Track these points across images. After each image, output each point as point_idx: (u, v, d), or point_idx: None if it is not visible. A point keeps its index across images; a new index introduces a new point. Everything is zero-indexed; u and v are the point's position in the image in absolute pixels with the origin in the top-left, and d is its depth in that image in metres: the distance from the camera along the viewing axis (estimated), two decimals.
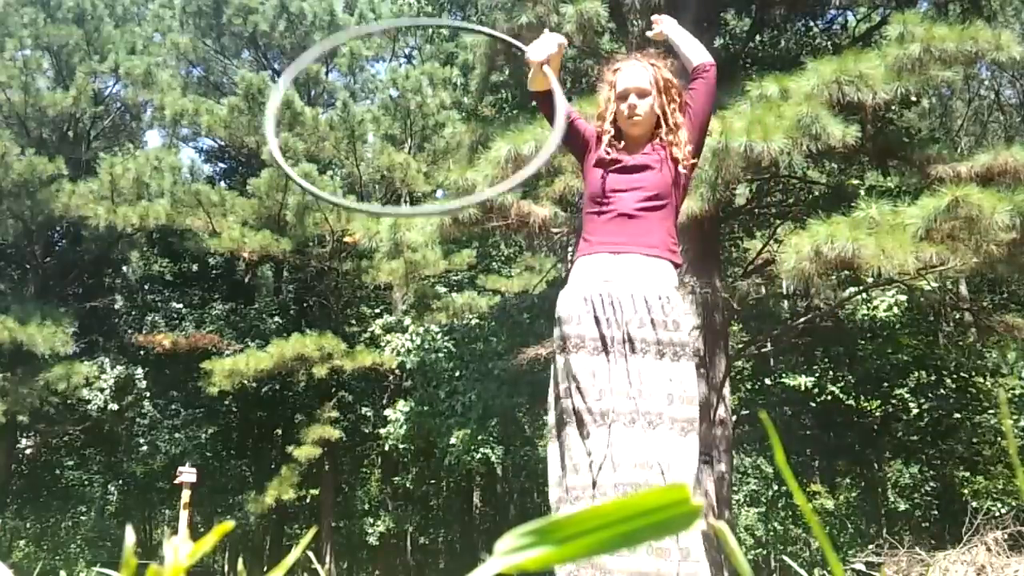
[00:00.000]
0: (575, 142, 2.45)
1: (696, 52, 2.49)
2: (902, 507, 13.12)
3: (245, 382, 13.63)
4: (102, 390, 14.94)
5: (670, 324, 2.20)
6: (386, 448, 13.99)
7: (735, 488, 12.86)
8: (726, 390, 7.84)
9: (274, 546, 17.47)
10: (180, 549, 0.43)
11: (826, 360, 12.79)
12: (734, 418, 9.19)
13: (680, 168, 2.36)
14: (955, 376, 11.99)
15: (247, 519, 14.49)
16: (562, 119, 2.07)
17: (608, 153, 2.37)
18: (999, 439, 11.41)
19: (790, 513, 12.71)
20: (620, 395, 2.12)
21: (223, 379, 12.93)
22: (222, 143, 17.42)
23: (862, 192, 7.99)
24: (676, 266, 2.32)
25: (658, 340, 2.17)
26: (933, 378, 12.04)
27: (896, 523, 12.84)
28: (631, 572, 1.97)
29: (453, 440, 11.70)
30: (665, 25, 2.58)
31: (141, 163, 14.16)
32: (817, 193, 9.24)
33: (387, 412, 13.76)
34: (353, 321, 16.60)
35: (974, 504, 10.21)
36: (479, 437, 12.00)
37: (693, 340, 2.35)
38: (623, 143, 2.42)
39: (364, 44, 16.85)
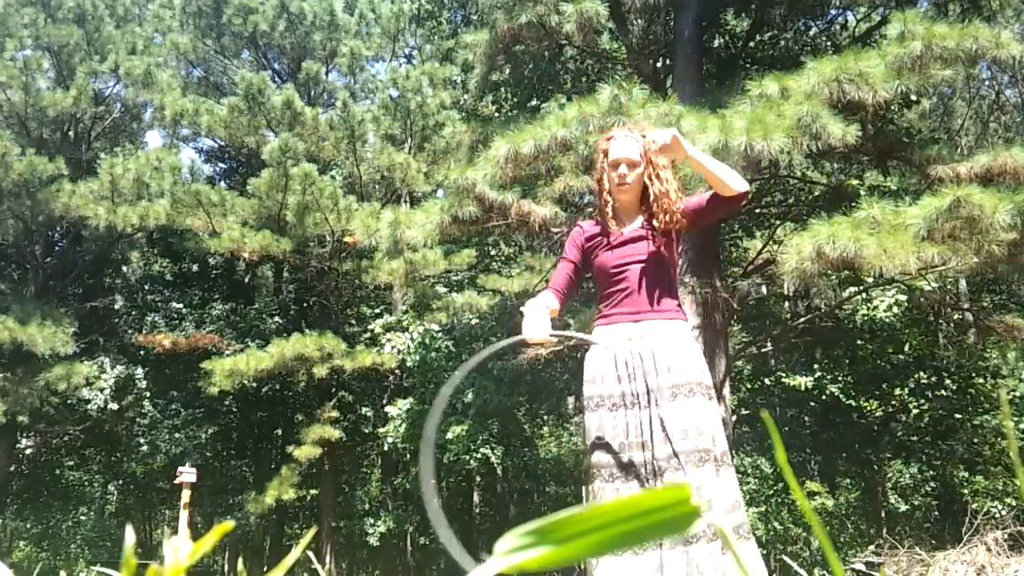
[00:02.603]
0: (582, 276, 2.64)
1: (723, 183, 2.41)
2: (902, 507, 13.11)
3: (245, 382, 13.63)
4: (102, 390, 14.94)
5: (686, 367, 2.36)
6: (385, 447, 13.98)
7: None
8: (726, 390, 7.84)
9: (274, 546, 17.47)
10: (180, 549, 0.43)
11: (826, 360, 12.78)
12: (734, 418, 9.18)
13: (669, 227, 2.49)
14: (955, 376, 11.98)
15: (247, 519, 14.48)
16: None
17: (605, 233, 2.55)
18: (999, 439, 11.41)
19: (790, 513, 12.70)
20: (638, 447, 2.28)
21: (223, 379, 12.92)
22: (222, 143, 17.41)
23: (863, 192, 7.98)
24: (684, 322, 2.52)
25: (673, 384, 2.33)
26: (933, 378, 12.03)
27: (896, 523, 12.84)
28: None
29: (449, 435, 11.69)
30: (677, 149, 2.45)
31: (141, 163, 14.16)
32: (817, 193, 9.24)
33: (388, 409, 13.77)
34: (353, 321, 16.60)
35: (974, 506, 10.21)
36: (479, 439, 11.99)
37: (707, 379, 2.45)
38: (616, 213, 2.57)
39: (364, 44, 16.86)
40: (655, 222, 2.50)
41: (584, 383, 2.45)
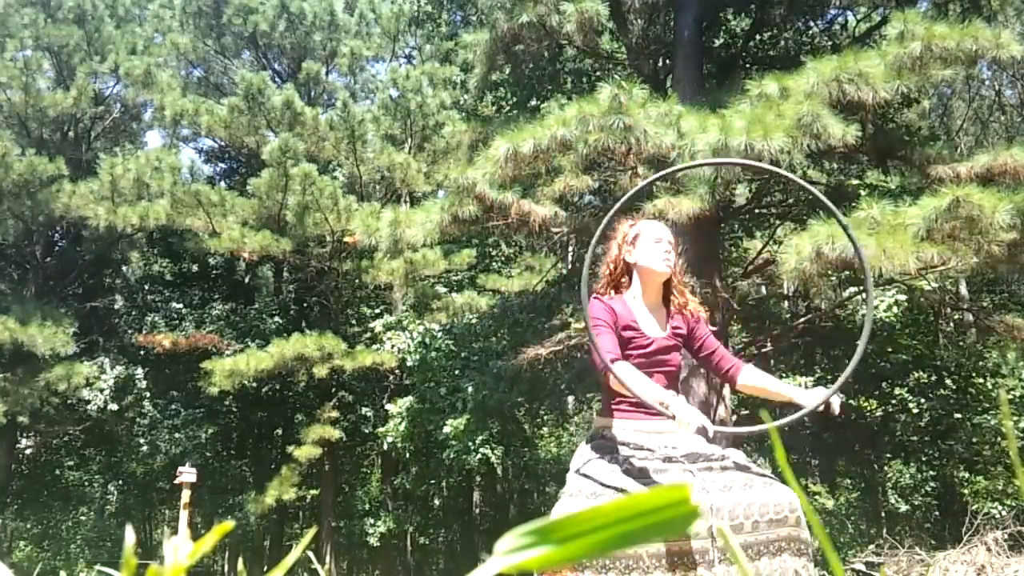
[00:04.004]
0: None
1: (749, 391, 2.60)
2: (902, 507, 13.11)
3: (245, 382, 13.63)
4: (102, 390, 14.94)
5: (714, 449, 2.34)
6: (385, 447, 13.99)
7: None
8: (726, 390, 7.84)
9: (274, 546, 17.47)
10: (180, 549, 0.43)
11: (826, 360, 12.78)
12: (734, 418, 9.18)
13: (689, 323, 2.52)
14: (955, 376, 11.98)
15: (247, 519, 14.49)
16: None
17: (636, 327, 2.41)
18: (999, 439, 11.40)
19: None
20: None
21: (223, 379, 12.92)
22: (222, 143, 17.42)
23: (863, 192, 7.98)
24: None
25: (709, 454, 2.31)
26: (933, 378, 12.03)
27: (896, 523, 12.84)
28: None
29: (447, 429, 11.68)
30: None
31: (141, 163, 14.16)
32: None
33: (388, 407, 13.78)
34: (353, 321, 16.60)
35: (974, 506, 10.21)
36: (479, 439, 11.99)
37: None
38: (643, 294, 2.48)
39: (364, 44, 16.86)
40: (678, 325, 2.48)
41: (593, 467, 2.30)
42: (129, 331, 17.06)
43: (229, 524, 0.46)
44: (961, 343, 12.93)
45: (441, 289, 14.87)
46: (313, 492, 16.12)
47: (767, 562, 2.16)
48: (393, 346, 13.63)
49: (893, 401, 12.34)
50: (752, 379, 2.54)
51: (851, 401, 12.28)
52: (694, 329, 2.53)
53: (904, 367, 12.10)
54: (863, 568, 7.09)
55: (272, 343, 13.44)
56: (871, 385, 12.32)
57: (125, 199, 14.14)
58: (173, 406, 16.45)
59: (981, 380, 11.81)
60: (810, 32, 10.41)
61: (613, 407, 2.41)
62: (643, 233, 2.49)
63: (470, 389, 11.65)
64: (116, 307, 18.02)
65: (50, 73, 15.83)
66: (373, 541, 15.12)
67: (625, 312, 2.41)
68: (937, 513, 13.02)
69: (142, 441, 16.46)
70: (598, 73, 11.24)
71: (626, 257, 2.49)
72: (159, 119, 15.89)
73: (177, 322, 16.68)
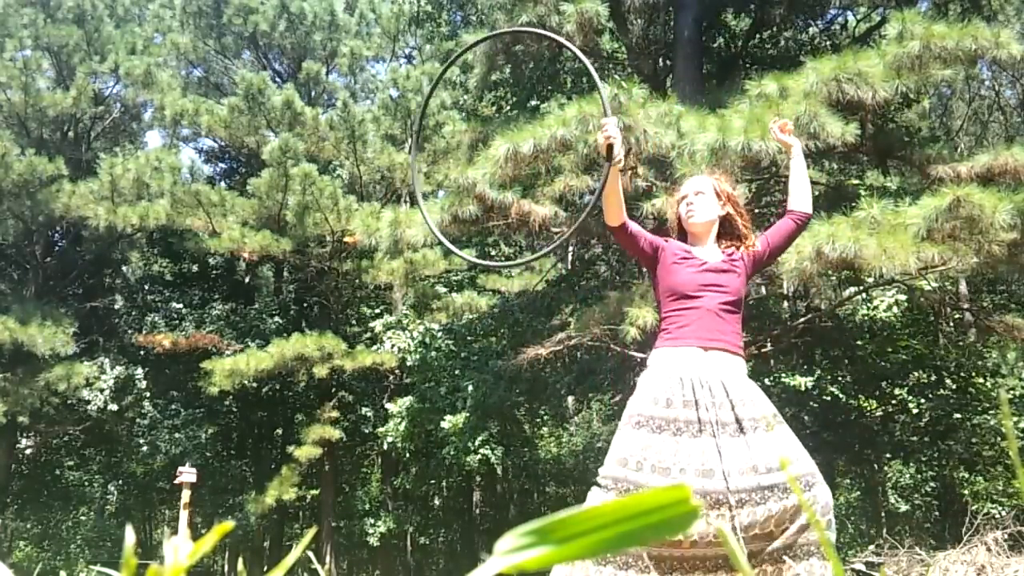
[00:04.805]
0: (639, 248, 2.59)
1: (804, 198, 2.65)
2: (902, 507, 13.11)
3: (245, 382, 13.62)
4: (102, 390, 14.94)
5: (758, 401, 2.35)
6: (385, 447, 13.99)
7: None
8: None
9: (274, 546, 17.47)
10: (180, 549, 0.43)
11: (826, 360, 12.78)
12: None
13: (747, 256, 2.57)
14: (955, 376, 11.97)
15: (247, 519, 14.48)
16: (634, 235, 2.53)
17: (688, 253, 2.54)
18: (999, 440, 11.40)
19: None
20: (702, 474, 2.22)
21: (223, 379, 12.92)
22: (222, 143, 17.42)
23: (863, 192, 7.98)
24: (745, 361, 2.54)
25: (751, 416, 2.31)
26: (933, 378, 12.02)
27: (896, 523, 12.84)
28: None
29: (445, 425, 11.67)
30: (795, 145, 2.71)
31: (141, 163, 14.15)
32: (817, 193, 9.22)
33: (388, 406, 13.78)
34: (353, 321, 16.60)
35: (974, 507, 10.21)
36: (479, 439, 11.99)
37: (773, 411, 2.46)
38: (693, 244, 2.60)
39: (364, 44, 16.86)
40: (735, 255, 2.55)
41: (640, 400, 2.35)
42: (129, 331, 17.06)
43: (229, 524, 0.46)
44: (961, 343, 12.92)
45: (441, 289, 14.87)
46: (313, 492, 16.11)
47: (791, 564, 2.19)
48: (393, 346, 13.63)
49: (893, 401, 12.33)
50: (792, 196, 2.67)
51: (851, 401, 12.27)
52: (757, 254, 2.60)
53: (904, 367, 12.09)
54: (863, 568, 7.09)
55: (272, 343, 13.44)
56: (871, 385, 12.32)
57: (125, 199, 14.13)
58: (173, 406, 16.45)
59: (981, 380, 11.80)
60: (810, 32, 10.42)
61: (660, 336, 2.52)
62: (678, 192, 2.71)
63: (470, 388, 11.65)
64: (116, 307, 18.02)
65: (50, 73, 15.83)
66: (373, 541, 15.12)
67: (678, 246, 2.57)
68: (937, 513, 13.02)
69: (142, 441, 16.46)
70: (598, 73, 11.23)
71: (675, 220, 2.70)
72: (159, 119, 15.89)
73: (177, 322, 16.68)
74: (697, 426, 2.26)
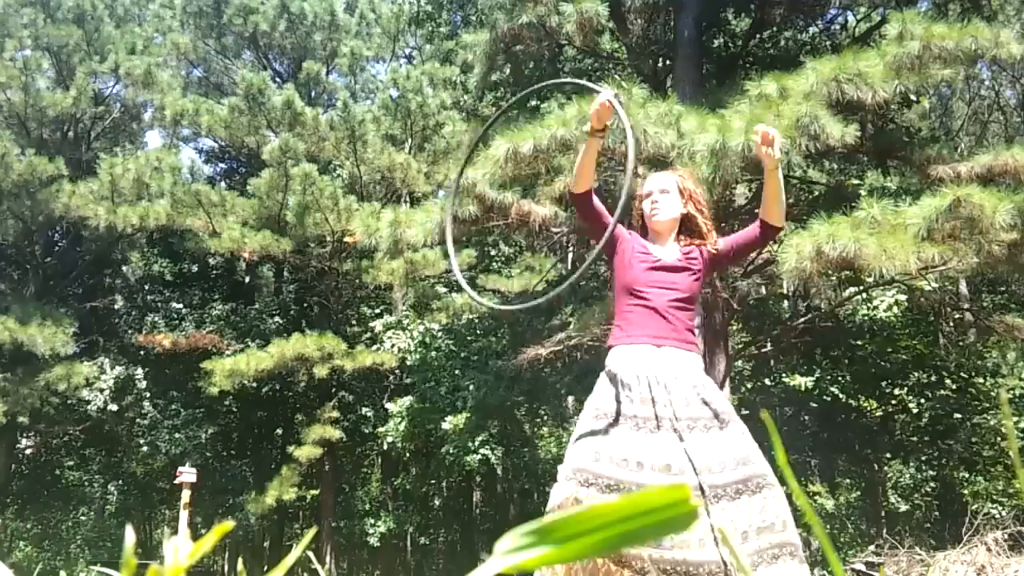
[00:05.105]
0: (597, 224, 2.60)
1: (778, 211, 2.59)
2: (902, 507, 13.11)
3: (245, 382, 13.62)
4: (102, 390, 14.94)
5: (714, 398, 2.36)
6: (385, 446, 13.99)
7: None
8: (726, 390, 7.84)
9: (274, 546, 17.47)
10: (180, 549, 0.43)
11: (826, 360, 12.78)
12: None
13: (705, 255, 2.57)
14: (955, 376, 11.97)
15: (247, 519, 14.48)
16: (609, 228, 2.41)
17: (645, 249, 2.55)
18: (999, 439, 11.40)
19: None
20: (663, 470, 2.22)
21: (223, 379, 12.92)
22: (222, 143, 17.42)
23: (863, 192, 7.98)
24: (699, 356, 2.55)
25: (705, 414, 2.32)
26: (933, 378, 12.02)
27: (896, 523, 12.83)
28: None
29: (446, 425, 11.67)
30: (775, 147, 2.54)
31: (141, 163, 14.16)
32: (817, 193, 9.23)
33: (388, 405, 13.78)
34: (353, 321, 16.60)
35: (974, 506, 10.21)
36: (478, 439, 11.99)
37: (732, 409, 2.47)
38: (653, 241, 2.61)
39: (364, 44, 16.86)
40: (692, 253, 2.56)
41: (599, 397, 2.38)
42: (129, 331, 17.07)
43: (229, 524, 0.46)
44: (961, 343, 12.92)
45: (441, 289, 14.87)
46: (313, 492, 16.11)
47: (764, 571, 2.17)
48: (393, 346, 13.63)
49: (893, 401, 12.34)
50: (764, 208, 2.60)
51: (851, 401, 12.28)
52: (715, 254, 2.60)
53: (904, 367, 12.10)
54: (863, 568, 7.09)
55: (272, 343, 13.44)
56: (871, 385, 12.32)
57: (125, 199, 14.14)
58: (173, 406, 16.45)
59: (981, 380, 11.81)
60: (810, 32, 10.42)
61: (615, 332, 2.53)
62: (643, 189, 2.69)
63: (471, 388, 11.66)
64: (116, 307, 18.02)
65: (50, 73, 15.83)
66: (373, 541, 15.12)
67: (638, 242, 2.58)
68: (937, 513, 13.02)
69: (142, 441, 16.47)
70: (598, 73, 11.24)
71: (639, 215, 2.71)
72: (159, 119, 15.90)
73: (177, 322, 16.69)
74: (655, 422, 2.27)
